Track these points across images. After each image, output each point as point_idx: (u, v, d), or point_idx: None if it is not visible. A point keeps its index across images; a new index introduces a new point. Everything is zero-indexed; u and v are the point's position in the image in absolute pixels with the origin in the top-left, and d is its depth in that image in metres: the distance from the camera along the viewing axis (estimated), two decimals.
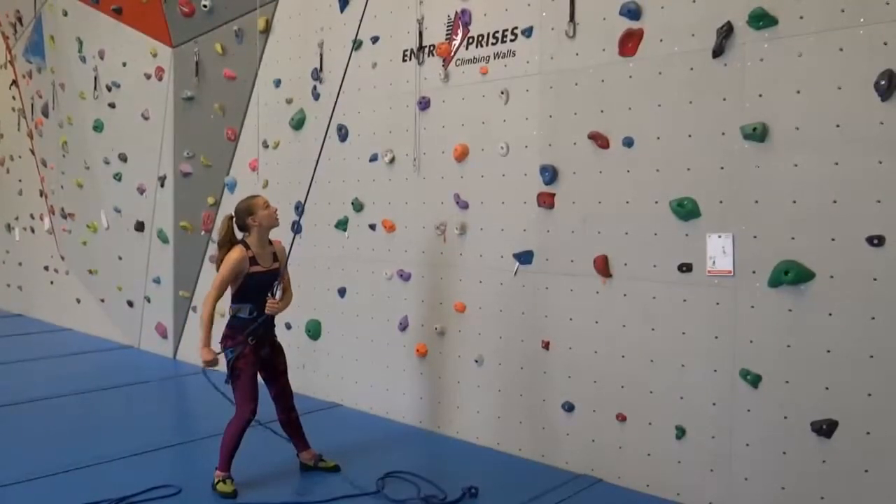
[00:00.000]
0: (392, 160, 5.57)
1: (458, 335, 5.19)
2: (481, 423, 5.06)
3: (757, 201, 3.79)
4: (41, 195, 10.23)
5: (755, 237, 3.80)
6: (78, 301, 9.54)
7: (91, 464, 4.65)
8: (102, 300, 9.05)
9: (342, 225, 5.99)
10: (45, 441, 5.12)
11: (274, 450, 4.72)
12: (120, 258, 8.59)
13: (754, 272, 3.81)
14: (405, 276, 5.52)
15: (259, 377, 4.34)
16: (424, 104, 5.33)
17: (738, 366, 3.87)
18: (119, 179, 8.48)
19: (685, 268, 4.05)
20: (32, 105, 10.14)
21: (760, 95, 3.77)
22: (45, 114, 9.74)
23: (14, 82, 10.64)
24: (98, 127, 8.70)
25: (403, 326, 5.54)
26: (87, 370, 7.39)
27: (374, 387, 5.79)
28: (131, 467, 4.61)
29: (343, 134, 5.92)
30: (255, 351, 4.25)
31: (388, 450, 4.97)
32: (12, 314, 11.00)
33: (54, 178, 9.79)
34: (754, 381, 3.81)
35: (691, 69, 4.01)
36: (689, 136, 4.03)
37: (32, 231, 10.61)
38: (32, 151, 10.31)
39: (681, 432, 4.09)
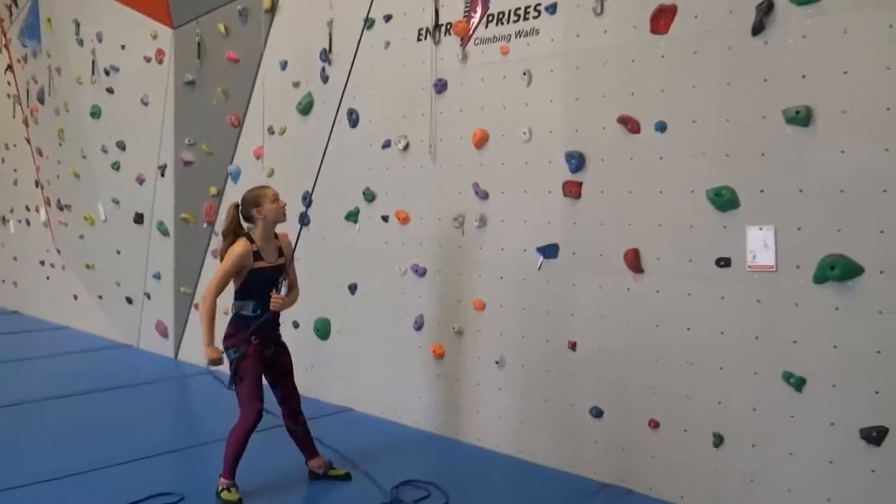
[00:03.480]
0: (406, 147, 5.56)
1: (478, 335, 5.18)
2: (502, 429, 5.06)
3: (801, 190, 3.75)
4: (37, 186, 10.33)
5: (799, 229, 3.76)
6: (75, 297, 9.64)
7: (89, 469, 4.69)
8: (100, 297, 9.13)
9: (353, 216, 5.99)
10: (40, 445, 5.17)
11: (281, 456, 4.74)
12: (118, 252, 8.66)
13: (798, 267, 3.77)
14: (420, 272, 5.52)
15: (263, 380, 4.35)
16: (441, 87, 5.31)
17: (781, 368, 3.84)
18: (117, 169, 8.54)
19: (723, 262, 4.01)
20: (28, 91, 10.23)
21: (804, 76, 3.72)
22: (41, 100, 9.83)
23: (9, 67, 10.73)
24: (95, 113, 8.77)
25: (419, 325, 5.54)
26: (85, 370, 7.46)
27: (387, 390, 5.80)
28: (131, 473, 4.65)
29: (354, 119, 5.91)
30: (259, 351, 4.27)
31: (402, 457, 4.98)
32: (7, 311, 11.13)
33: (50, 168, 9.88)
34: (798, 384, 3.78)
35: (729, 48, 3.97)
36: (727, 120, 3.98)
37: (28, 224, 10.73)
38: (28, 140, 10.41)
39: (718, 440, 4.06)
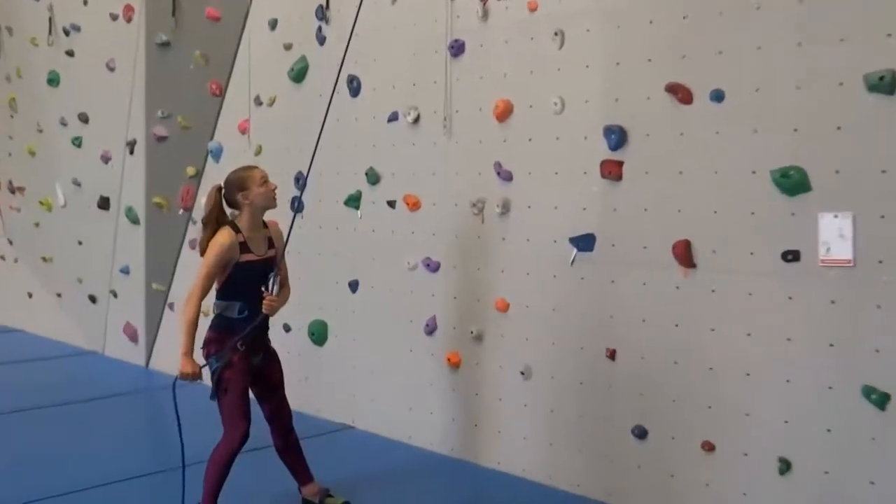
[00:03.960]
0: (416, 120, 5.55)
1: (500, 341, 5.18)
2: (529, 451, 5.06)
3: (884, 171, 3.72)
4: None
5: (882, 217, 3.74)
6: (29, 296, 9.69)
7: (47, 496, 4.70)
8: (59, 295, 9.17)
9: (354, 202, 5.99)
10: None
11: (270, 482, 4.75)
12: (80, 243, 8.70)
13: (881, 262, 3.74)
14: (432, 267, 5.52)
15: (250, 393, 4.36)
16: (457, 49, 5.30)
17: (861, 382, 3.81)
18: (79, 145, 8.57)
19: (791, 256, 3.99)
20: None
21: (889, 35, 3.68)
22: None
23: None
24: (53, 80, 8.80)
25: (431, 329, 5.54)
26: (41, 381, 7.50)
27: (394, 405, 5.80)
28: (96, 502, 4.65)
29: (355, 87, 5.91)
30: (245, 359, 4.27)
31: (410, 484, 4.99)
32: None
33: (1, 145, 9.92)
34: (881, 401, 3.75)
35: (800, 1, 3.93)
36: (797, 87, 3.95)
37: None
38: None
39: (785, 466, 4.04)
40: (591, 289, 4.74)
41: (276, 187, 4.37)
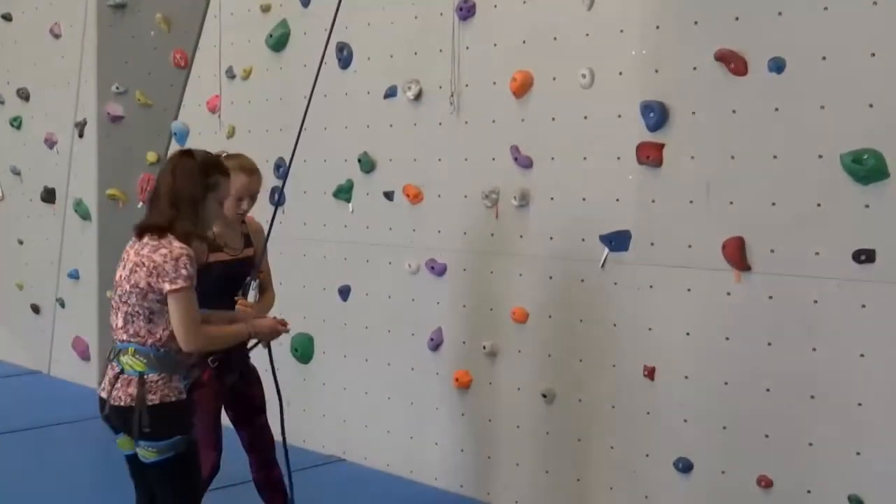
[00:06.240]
0: (418, 96, 5.56)
1: (517, 357, 5.19)
2: (552, 489, 5.06)
3: None
4: None
5: None
6: None
7: None
8: None
9: (344, 193, 6.01)
10: None
11: None
12: (20, 242, 8.70)
13: None
14: (438, 270, 5.53)
15: (225, 417, 4.39)
16: (467, 10, 5.30)
17: None
18: (18, 126, 8.56)
19: (864, 257, 3.98)
20: None
21: None
22: None
23: None
24: None
25: (436, 344, 5.55)
26: None
27: (393, 434, 5.82)
28: None
29: (345, 57, 5.92)
30: (218, 378, 4.28)
31: None
32: None
33: None
34: None
35: None
36: (872, 55, 3.95)
37: None
38: None
39: None
40: (625, 296, 4.75)
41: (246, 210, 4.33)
